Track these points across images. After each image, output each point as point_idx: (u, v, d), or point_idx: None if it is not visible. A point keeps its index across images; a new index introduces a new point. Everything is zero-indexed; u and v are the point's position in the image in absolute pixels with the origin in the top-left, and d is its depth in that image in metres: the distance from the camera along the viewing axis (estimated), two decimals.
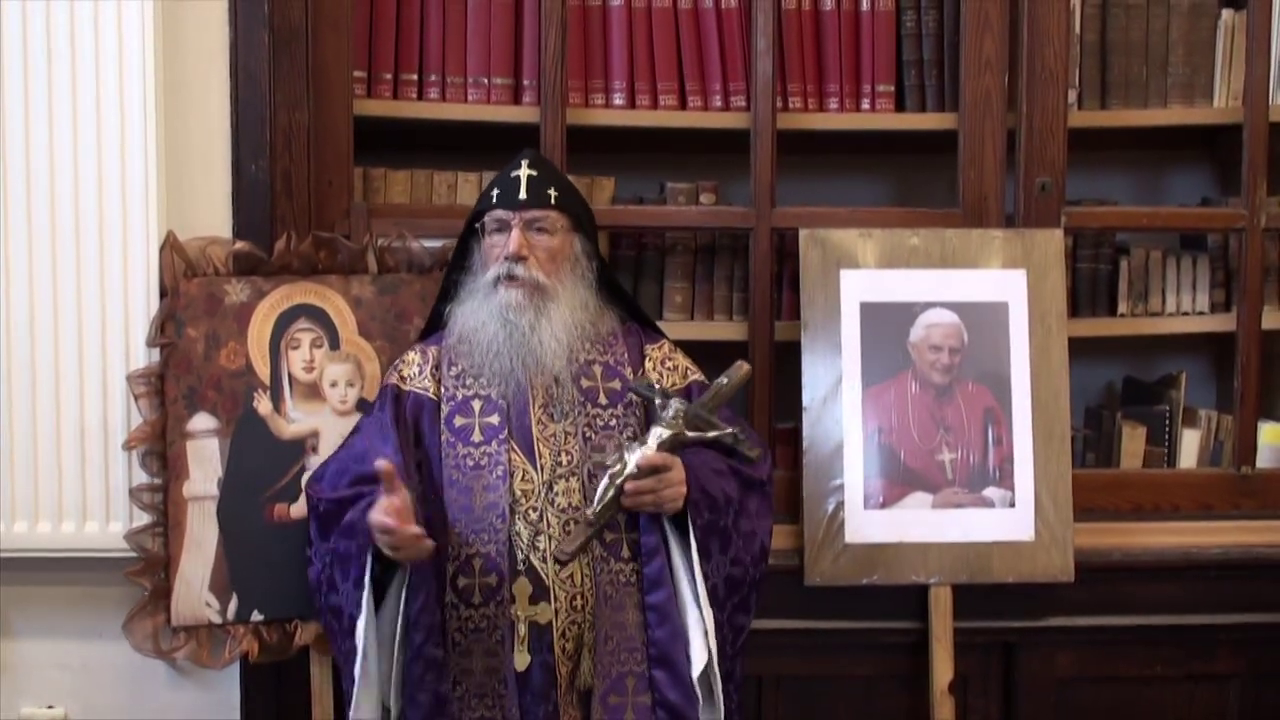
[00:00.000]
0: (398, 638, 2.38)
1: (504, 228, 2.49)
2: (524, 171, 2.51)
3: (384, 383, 2.59)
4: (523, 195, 2.49)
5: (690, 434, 2.45)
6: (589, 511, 2.40)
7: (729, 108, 3.03)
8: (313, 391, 2.70)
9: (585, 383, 2.51)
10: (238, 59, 2.77)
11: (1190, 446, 3.14)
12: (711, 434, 2.48)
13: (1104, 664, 2.95)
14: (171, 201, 2.73)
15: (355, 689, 2.39)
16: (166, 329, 2.67)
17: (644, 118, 3.03)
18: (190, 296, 2.68)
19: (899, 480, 2.83)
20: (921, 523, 2.81)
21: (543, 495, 2.43)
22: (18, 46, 2.64)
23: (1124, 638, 2.94)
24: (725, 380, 2.52)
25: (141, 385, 2.66)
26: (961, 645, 2.84)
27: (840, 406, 2.83)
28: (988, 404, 2.85)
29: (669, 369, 2.59)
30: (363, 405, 2.70)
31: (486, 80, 2.99)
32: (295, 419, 2.69)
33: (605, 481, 2.39)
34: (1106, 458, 3.15)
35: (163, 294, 2.68)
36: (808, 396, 2.83)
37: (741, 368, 2.54)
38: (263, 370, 2.69)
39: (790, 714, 2.92)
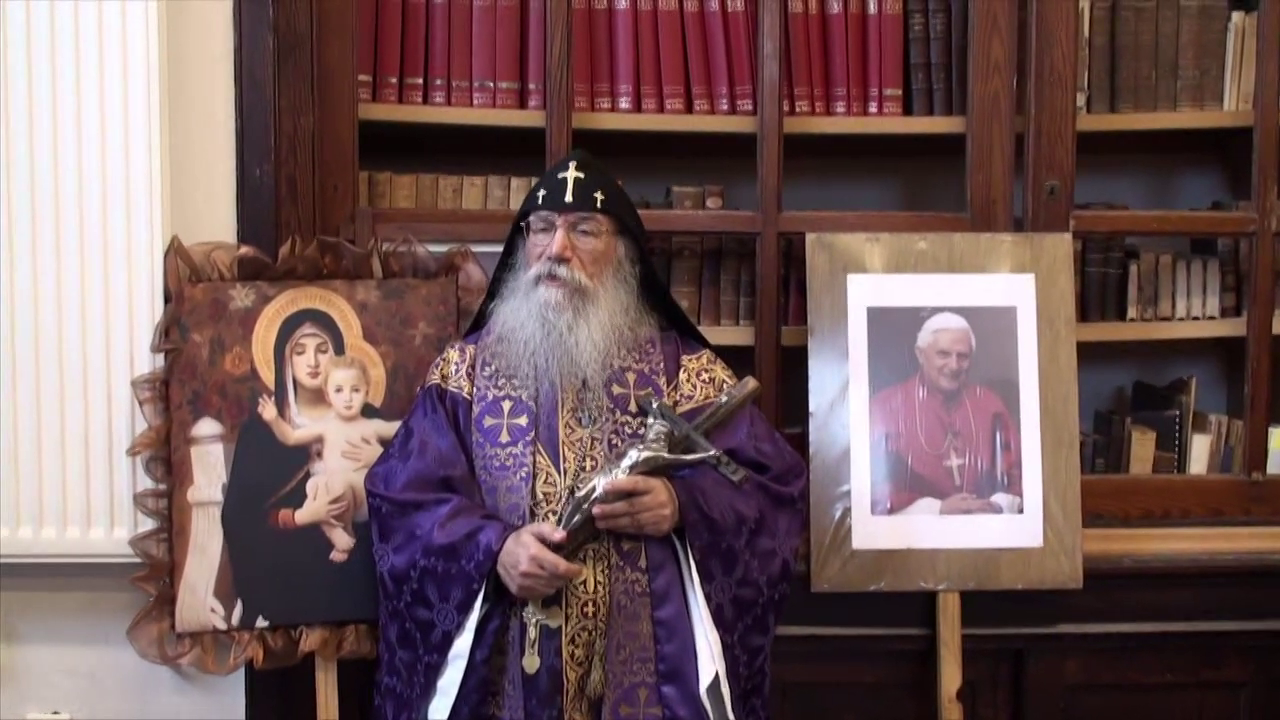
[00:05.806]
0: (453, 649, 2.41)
1: (549, 228, 2.47)
2: (571, 174, 2.49)
3: (427, 383, 2.57)
4: (569, 198, 2.46)
5: (669, 456, 2.37)
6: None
7: (735, 111, 3.01)
8: (317, 397, 2.69)
9: (617, 389, 2.48)
10: (242, 63, 2.76)
11: (1200, 452, 3.12)
12: (693, 456, 2.39)
13: (1113, 671, 2.93)
14: (176, 206, 2.72)
15: (431, 700, 2.41)
16: (171, 334, 2.66)
17: (650, 121, 3.03)
18: (195, 302, 2.67)
19: (906, 486, 2.81)
20: (929, 529, 2.80)
21: (564, 499, 2.41)
22: (21, 51, 2.64)
23: (1134, 645, 2.92)
24: (724, 399, 2.47)
25: (146, 391, 2.66)
26: (970, 652, 2.82)
27: (847, 411, 2.81)
28: (996, 409, 2.83)
29: (704, 381, 2.55)
30: (368, 411, 2.69)
31: (492, 84, 2.98)
32: (300, 424, 2.68)
33: (572, 505, 2.36)
34: (1116, 463, 3.13)
35: (167, 299, 2.68)
36: (814, 401, 2.82)
37: (748, 385, 2.48)
38: (267, 375, 2.69)
39: None
